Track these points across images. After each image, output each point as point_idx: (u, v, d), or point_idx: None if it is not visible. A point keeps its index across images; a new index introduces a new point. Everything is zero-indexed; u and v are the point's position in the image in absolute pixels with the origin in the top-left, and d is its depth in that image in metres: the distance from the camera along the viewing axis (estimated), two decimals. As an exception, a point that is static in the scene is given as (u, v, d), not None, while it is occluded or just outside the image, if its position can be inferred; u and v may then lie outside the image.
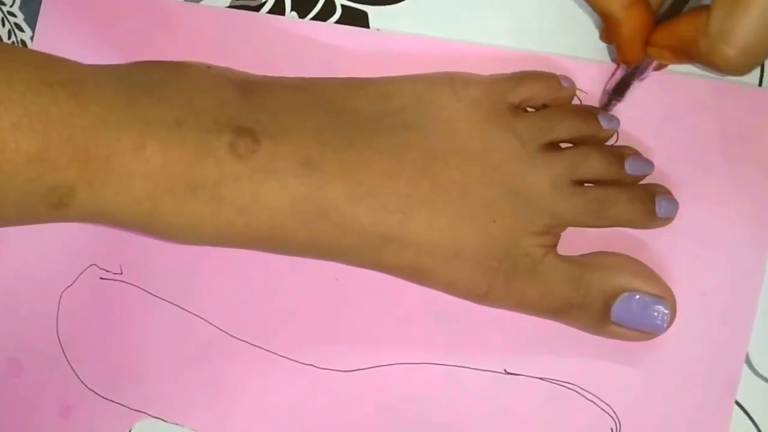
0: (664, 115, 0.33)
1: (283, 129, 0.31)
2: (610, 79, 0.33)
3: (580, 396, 0.33)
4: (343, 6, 0.38)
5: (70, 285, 0.41)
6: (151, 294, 0.40)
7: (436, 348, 0.35)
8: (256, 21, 0.39)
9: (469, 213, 0.31)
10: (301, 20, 0.38)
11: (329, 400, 0.36)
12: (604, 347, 0.32)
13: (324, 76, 0.35)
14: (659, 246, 0.32)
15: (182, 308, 0.39)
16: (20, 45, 0.43)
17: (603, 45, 0.34)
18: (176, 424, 0.39)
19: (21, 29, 0.43)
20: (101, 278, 0.41)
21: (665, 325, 0.30)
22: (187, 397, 0.39)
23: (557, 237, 0.32)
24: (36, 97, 0.27)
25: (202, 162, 0.29)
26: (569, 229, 0.33)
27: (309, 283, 0.37)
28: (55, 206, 0.28)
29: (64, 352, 0.41)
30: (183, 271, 0.39)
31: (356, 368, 0.36)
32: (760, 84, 0.32)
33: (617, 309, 0.31)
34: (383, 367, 0.36)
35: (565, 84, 0.33)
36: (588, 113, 0.32)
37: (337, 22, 0.38)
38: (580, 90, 0.34)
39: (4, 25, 0.44)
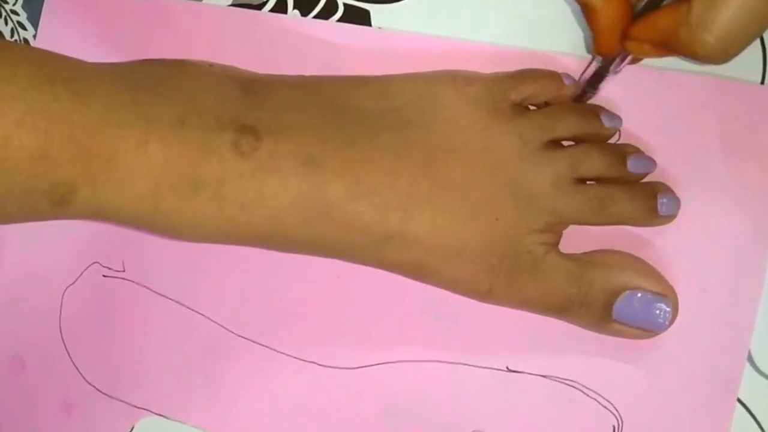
0: (665, 113, 0.33)
1: (285, 127, 0.31)
2: (585, 70, 0.33)
3: (582, 393, 0.33)
4: (345, 4, 0.38)
5: (73, 283, 0.41)
6: (153, 291, 0.40)
7: (438, 345, 0.35)
8: (258, 19, 0.39)
9: (470, 211, 0.31)
10: (303, 18, 0.39)
11: (331, 398, 0.36)
12: (606, 345, 0.32)
13: (326, 75, 0.35)
14: (661, 244, 0.32)
15: (184, 305, 0.39)
16: (23, 43, 0.43)
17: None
18: (179, 421, 0.39)
19: (24, 27, 0.43)
20: (104, 276, 0.41)
21: (667, 323, 0.30)
22: (189, 395, 0.39)
23: (559, 235, 0.32)
24: (38, 95, 0.27)
25: (204, 160, 0.29)
26: (571, 227, 0.33)
27: (311, 281, 0.37)
28: (57, 203, 0.28)
29: (66, 349, 0.41)
30: (185, 268, 0.39)
31: (358, 366, 0.36)
32: (762, 82, 0.32)
33: (619, 307, 0.31)
34: (385, 365, 0.36)
35: (566, 82, 0.33)
36: (590, 111, 0.32)
37: (339, 20, 0.38)
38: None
39: (6, 23, 0.44)
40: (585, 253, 0.32)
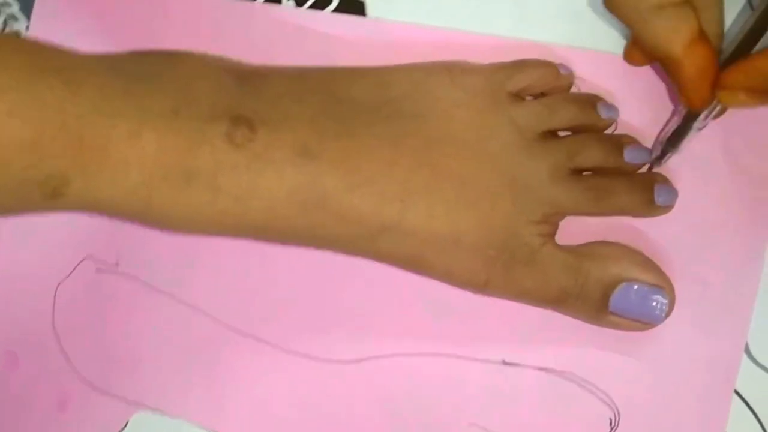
0: (662, 103, 0.33)
1: (280, 117, 0.31)
2: (664, 127, 0.32)
3: (578, 386, 0.33)
4: (340, -5, 0.38)
5: (66, 277, 0.41)
6: (147, 285, 0.39)
7: (433, 338, 0.35)
8: (253, 10, 0.39)
9: (467, 202, 0.31)
10: (298, 9, 0.38)
11: (327, 391, 0.36)
12: (603, 337, 0.32)
13: (321, 66, 0.35)
14: (658, 235, 0.32)
15: (179, 299, 0.39)
16: (15, 35, 0.43)
17: (601, 34, 0.34)
18: (174, 416, 0.39)
19: (16, 19, 0.43)
20: (97, 270, 0.40)
21: (664, 315, 0.30)
22: (184, 389, 0.38)
23: (555, 226, 0.32)
24: (30, 85, 0.26)
25: (198, 151, 0.29)
26: (568, 218, 0.32)
27: (306, 273, 0.37)
28: (50, 195, 0.27)
29: (60, 344, 0.41)
30: (179, 262, 0.39)
31: (354, 358, 0.36)
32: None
33: (615, 299, 0.30)
34: (382, 358, 0.35)
35: (563, 72, 0.33)
36: (587, 102, 0.32)
37: (335, 10, 0.38)
38: (578, 78, 0.34)
39: (-1, 15, 0.44)
40: (581, 245, 0.32)
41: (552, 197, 0.31)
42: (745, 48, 0.28)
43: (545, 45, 0.34)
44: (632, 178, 0.31)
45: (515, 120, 0.32)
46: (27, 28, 0.43)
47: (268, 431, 0.37)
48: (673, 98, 0.33)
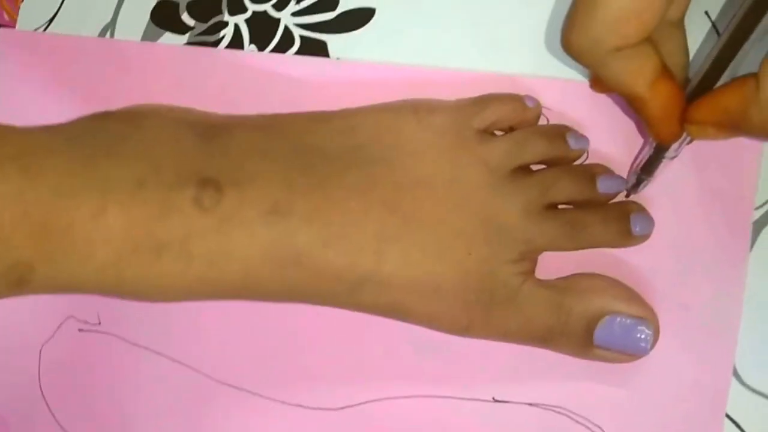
0: (633, 129, 0.32)
1: (247, 175, 0.30)
2: (637, 156, 0.32)
3: (570, 419, 0.32)
4: (301, 36, 0.37)
5: (50, 339, 0.41)
6: (131, 343, 0.39)
7: (423, 380, 0.34)
8: (215, 57, 0.39)
9: (442, 246, 0.30)
10: (260, 53, 0.38)
11: (320, 439, 0.36)
12: (591, 369, 0.32)
13: (287, 111, 0.35)
14: (637, 262, 0.32)
15: (164, 355, 0.38)
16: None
17: (566, 61, 0.33)
18: (168, 471, 0.39)
19: (-25, 83, 0.42)
20: (80, 330, 0.40)
21: (649, 346, 0.30)
22: (176, 445, 0.38)
23: (534, 262, 0.32)
24: None
25: (166, 220, 0.29)
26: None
27: (290, 322, 0.36)
28: (15, 284, 0.27)
29: (48, 406, 0.41)
30: (161, 317, 0.38)
31: (345, 405, 0.36)
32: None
33: (600, 333, 0.30)
34: (372, 403, 0.35)
35: (530, 104, 0.32)
36: (556, 134, 0.32)
37: (297, 53, 0.37)
38: (546, 108, 0.33)
39: (-42, 76, 0.43)
40: (562, 279, 0.32)
41: (527, 235, 0.30)
42: (712, 77, 0.27)
43: (510, 77, 0.34)
44: (607, 210, 0.31)
45: (485, 159, 0.31)
46: (-13, 91, 0.42)
47: (263, 483, 0.37)
48: (643, 130, 0.32)
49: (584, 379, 0.32)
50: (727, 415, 0.31)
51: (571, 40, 0.27)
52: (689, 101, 0.28)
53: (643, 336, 0.30)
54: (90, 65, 0.41)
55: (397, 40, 0.36)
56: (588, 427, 0.32)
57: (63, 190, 0.27)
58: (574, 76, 0.33)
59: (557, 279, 0.32)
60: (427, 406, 0.34)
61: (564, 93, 0.33)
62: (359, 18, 0.36)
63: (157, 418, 0.38)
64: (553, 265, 0.32)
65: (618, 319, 0.30)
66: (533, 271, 0.32)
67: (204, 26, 0.39)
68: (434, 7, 0.35)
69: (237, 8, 0.38)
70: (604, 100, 0.33)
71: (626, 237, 0.31)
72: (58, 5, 0.42)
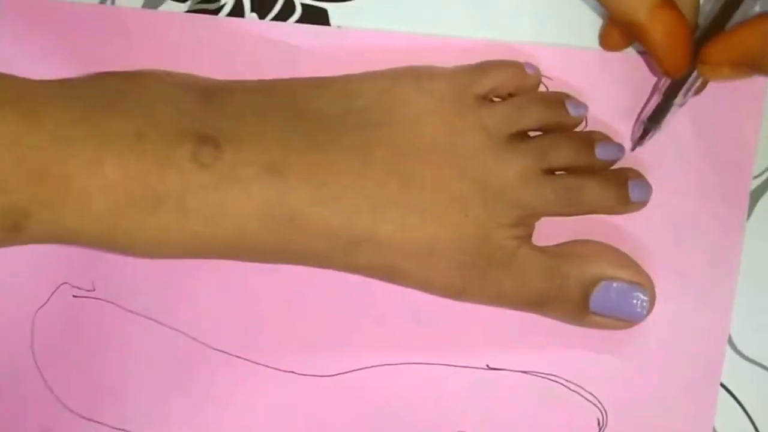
0: (632, 97, 0.32)
1: (246, 134, 0.30)
2: (644, 107, 0.32)
3: (564, 388, 0.32)
4: (302, 4, 0.37)
5: (43, 305, 0.40)
6: (125, 309, 0.39)
7: (417, 347, 0.34)
8: (215, 24, 0.39)
9: (440, 209, 0.30)
10: (261, 21, 0.38)
11: (313, 406, 0.36)
12: (586, 337, 0.32)
13: (286, 78, 0.35)
14: (634, 229, 0.32)
15: (158, 322, 0.38)
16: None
17: (566, 29, 0.33)
18: (160, 439, 0.38)
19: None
20: (74, 296, 0.40)
21: (645, 312, 0.30)
22: (168, 412, 0.38)
23: (531, 228, 0.32)
24: None
25: (164, 173, 0.29)
26: (544, 217, 0.32)
27: (284, 289, 0.36)
28: (10, 229, 0.27)
29: (41, 373, 0.40)
30: (155, 284, 0.38)
31: (338, 372, 0.35)
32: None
33: (595, 299, 0.30)
34: (365, 370, 0.35)
35: (530, 71, 0.32)
36: (555, 100, 0.32)
37: (298, 21, 0.37)
38: (545, 76, 0.33)
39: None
40: (558, 245, 0.32)
41: (524, 199, 0.30)
42: (723, 17, 0.27)
43: (510, 44, 0.34)
44: (605, 176, 0.31)
45: (483, 123, 0.31)
46: (-13, 54, 0.42)
47: (255, 450, 0.37)
48: (655, 74, 0.32)
49: (579, 348, 0.32)
50: (722, 384, 0.31)
51: None
52: (700, 43, 0.28)
53: (638, 301, 0.30)
54: (90, 32, 0.41)
55: (398, 8, 0.36)
56: (582, 395, 0.32)
57: (61, 138, 0.27)
58: (573, 45, 0.33)
59: (554, 245, 0.32)
60: (421, 373, 0.34)
61: (563, 61, 0.33)
62: (361, -14, 0.36)
63: (150, 384, 0.38)
64: (551, 232, 0.32)
65: (614, 284, 0.30)
66: (530, 237, 0.32)
67: (205, -6, 0.39)
68: (436, -24, 0.35)
69: (239, -24, 0.38)
70: (603, 69, 0.33)
71: (624, 203, 0.31)
72: (60, -27, 0.42)
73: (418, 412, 0.34)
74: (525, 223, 0.31)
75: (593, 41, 0.33)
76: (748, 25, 0.26)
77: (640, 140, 0.31)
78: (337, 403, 0.35)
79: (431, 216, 0.30)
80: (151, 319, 0.38)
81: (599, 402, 0.32)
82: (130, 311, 0.39)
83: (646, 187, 0.31)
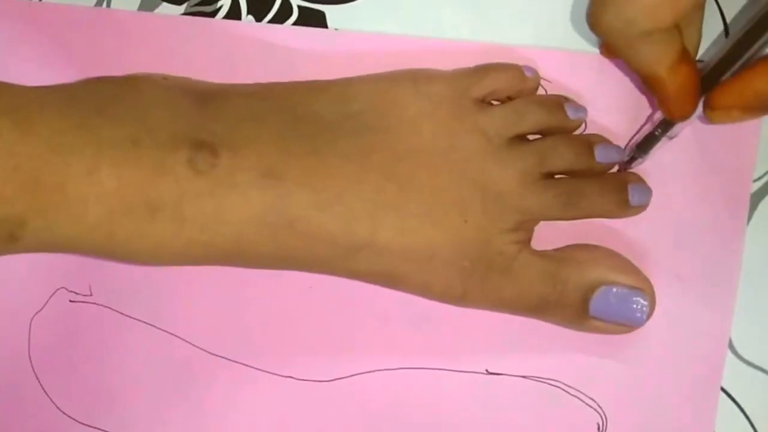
0: (631, 100, 0.32)
1: (243, 139, 0.30)
2: (636, 133, 0.32)
3: (564, 392, 0.32)
4: (299, 7, 0.37)
5: (40, 310, 0.40)
6: (122, 314, 0.39)
7: (415, 352, 0.34)
8: (212, 27, 0.38)
9: (439, 214, 0.30)
10: (258, 24, 0.37)
11: (311, 412, 0.36)
12: (586, 341, 0.32)
13: (283, 81, 0.34)
14: (634, 233, 0.32)
15: (155, 327, 0.38)
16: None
17: (565, 33, 0.33)
18: (158, 444, 0.38)
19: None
20: (71, 301, 0.40)
21: (645, 316, 0.30)
22: (166, 417, 0.38)
23: (530, 232, 0.32)
24: None
25: (160, 180, 0.28)
26: (543, 221, 0.32)
27: (283, 294, 0.36)
28: (5, 239, 0.26)
29: (38, 378, 0.40)
30: (153, 288, 0.38)
31: (337, 377, 0.35)
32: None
33: (595, 303, 0.30)
34: (364, 375, 0.35)
35: (528, 74, 0.32)
36: (554, 103, 0.32)
37: (295, 23, 0.37)
38: (544, 79, 0.33)
39: (-47, 46, 0.43)
40: (558, 249, 0.32)
41: (524, 204, 0.30)
42: (728, 61, 0.27)
43: (509, 47, 0.33)
44: (605, 180, 0.31)
45: (482, 127, 0.31)
46: (-19, 58, 0.42)
47: (254, 456, 0.36)
48: (651, 105, 0.32)
49: (579, 352, 0.32)
50: (723, 389, 0.31)
51: (602, 19, 0.27)
52: (702, 83, 0.28)
53: (638, 306, 0.30)
54: (86, 35, 0.40)
55: (396, 11, 0.35)
56: (582, 400, 0.32)
57: (56, 146, 0.27)
58: (572, 48, 0.33)
59: (553, 250, 0.32)
60: (420, 379, 0.34)
61: (562, 64, 0.33)
62: (358, -11, 0.36)
63: (147, 389, 0.38)
64: (550, 237, 0.32)
65: (614, 289, 0.30)
66: (529, 241, 0.32)
67: (201, -3, 0.39)
68: (434, -22, 0.35)
69: (235, -21, 0.38)
70: (602, 72, 0.32)
71: (623, 207, 0.31)
72: (55, -25, 0.42)
73: (417, 417, 0.34)
74: (525, 228, 0.31)
75: (592, 44, 0.33)
76: (758, 69, 0.26)
77: (626, 165, 0.31)
78: (336, 408, 0.35)
79: (430, 220, 0.30)
80: (148, 323, 0.38)
81: (599, 406, 0.32)
82: (128, 316, 0.39)
83: (646, 191, 0.31)
